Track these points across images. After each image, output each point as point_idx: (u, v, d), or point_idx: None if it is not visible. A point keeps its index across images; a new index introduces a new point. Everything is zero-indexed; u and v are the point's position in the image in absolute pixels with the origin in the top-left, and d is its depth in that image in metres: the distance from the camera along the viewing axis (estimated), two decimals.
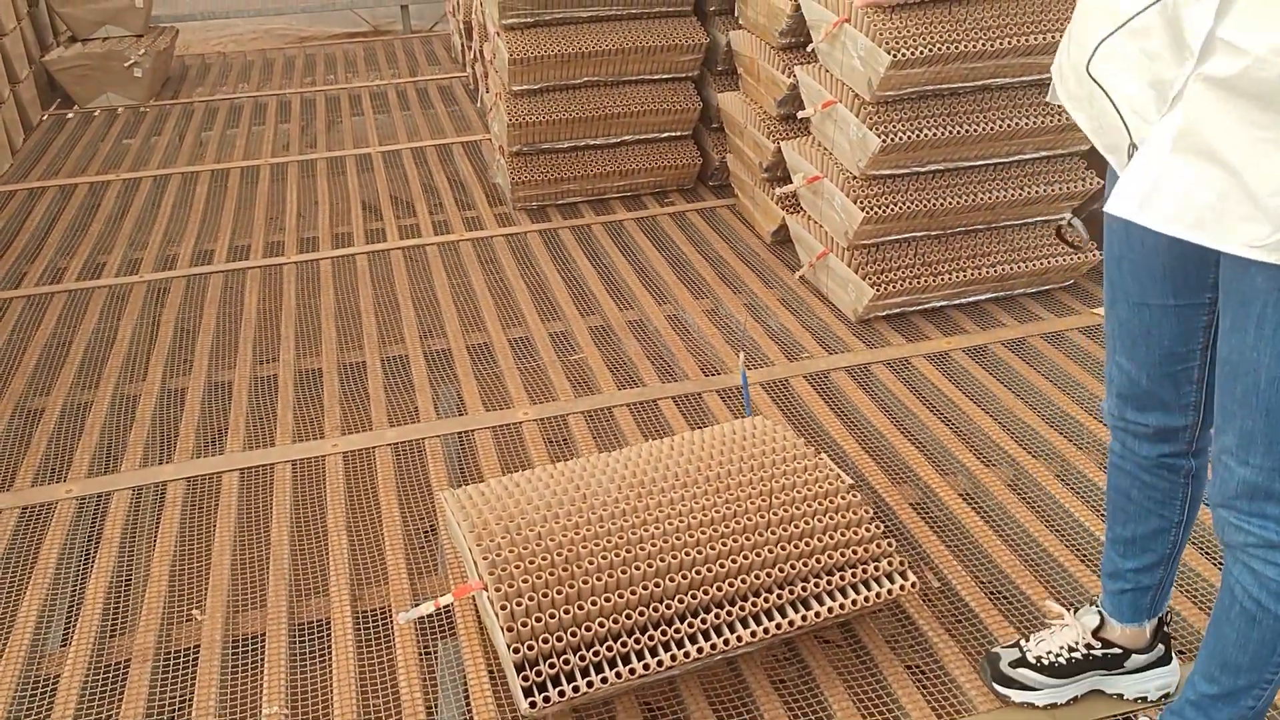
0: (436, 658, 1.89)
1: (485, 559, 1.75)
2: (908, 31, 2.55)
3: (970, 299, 2.93)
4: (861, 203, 2.73)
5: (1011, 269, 2.88)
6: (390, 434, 2.48)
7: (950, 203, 2.78)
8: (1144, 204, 1.16)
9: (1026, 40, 2.58)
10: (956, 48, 2.55)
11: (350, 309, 3.10)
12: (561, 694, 1.60)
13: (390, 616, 1.95)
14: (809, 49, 2.92)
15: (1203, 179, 1.11)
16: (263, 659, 1.86)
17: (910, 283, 2.81)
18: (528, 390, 2.65)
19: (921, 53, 2.53)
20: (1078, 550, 2.06)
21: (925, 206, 2.76)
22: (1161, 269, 1.32)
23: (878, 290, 2.77)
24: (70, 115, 4.98)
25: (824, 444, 2.41)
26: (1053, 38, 2.59)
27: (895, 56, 2.51)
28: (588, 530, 1.79)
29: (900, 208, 2.74)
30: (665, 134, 3.73)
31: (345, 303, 3.13)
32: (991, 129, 2.69)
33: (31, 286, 3.27)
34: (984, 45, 2.56)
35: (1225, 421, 1.25)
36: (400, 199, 3.91)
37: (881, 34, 2.55)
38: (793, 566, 1.76)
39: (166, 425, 2.58)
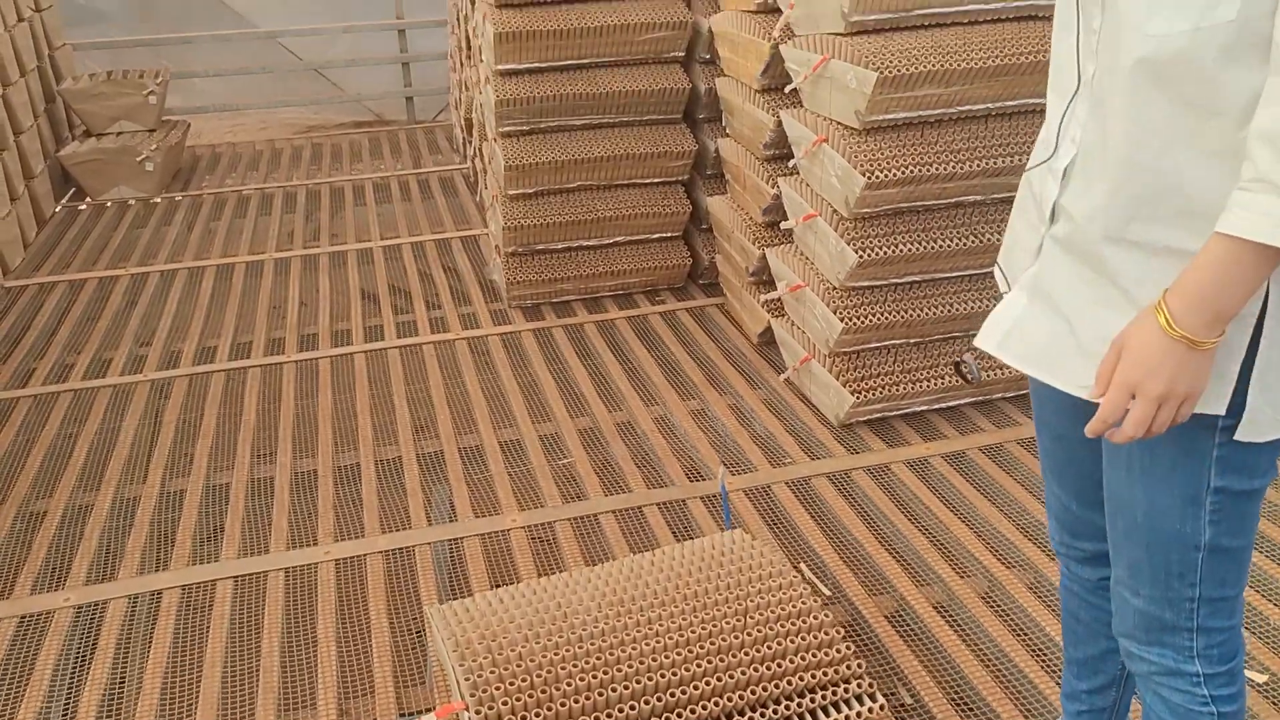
0: None
1: (467, 679, 1.80)
2: (882, 154, 2.68)
3: (950, 403, 3.01)
4: (841, 313, 2.83)
5: (991, 375, 2.97)
6: (382, 541, 2.54)
7: (928, 313, 2.88)
8: (1002, 342, 1.35)
9: (995, 163, 2.70)
10: (928, 170, 2.67)
11: (347, 409, 3.19)
12: None
13: None
14: (790, 164, 3.04)
15: (1045, 325, 1.29)
16: None
17: (890, 389, 2.90)
18: (517, 496, 2.72)
19: (895, 175, 2.65)
20: (1047, 665, 2.11)
21: (904, 317, 2.86)
22: (1071, 404, 1.41)
23: (858, 398, 2.85)
24: (83, 207, 5.14)
25: (804, 553, 2.48)
26: (1019, 160, 2.71)
27: (870, 178, 2.63)
28: (567, 650, 1.85)
29: (879, 318, 2.84)
30: (656, 235, 3.85)
31: (342, 403, 3.22)
32: (965, 244, 2.80)
33: (39, 385, 3.36)
34: (954, 168, 2.68)
35: (1116, 554, 1.35)
36: (399, 294, 4.03)
37: (857, 156, 2.68)
38: (764, 689, 1.82)
39: (164, 530, 2.65)
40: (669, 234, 3.86)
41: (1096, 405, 1.31)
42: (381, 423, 3.11)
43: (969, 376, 1.64)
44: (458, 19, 4.90)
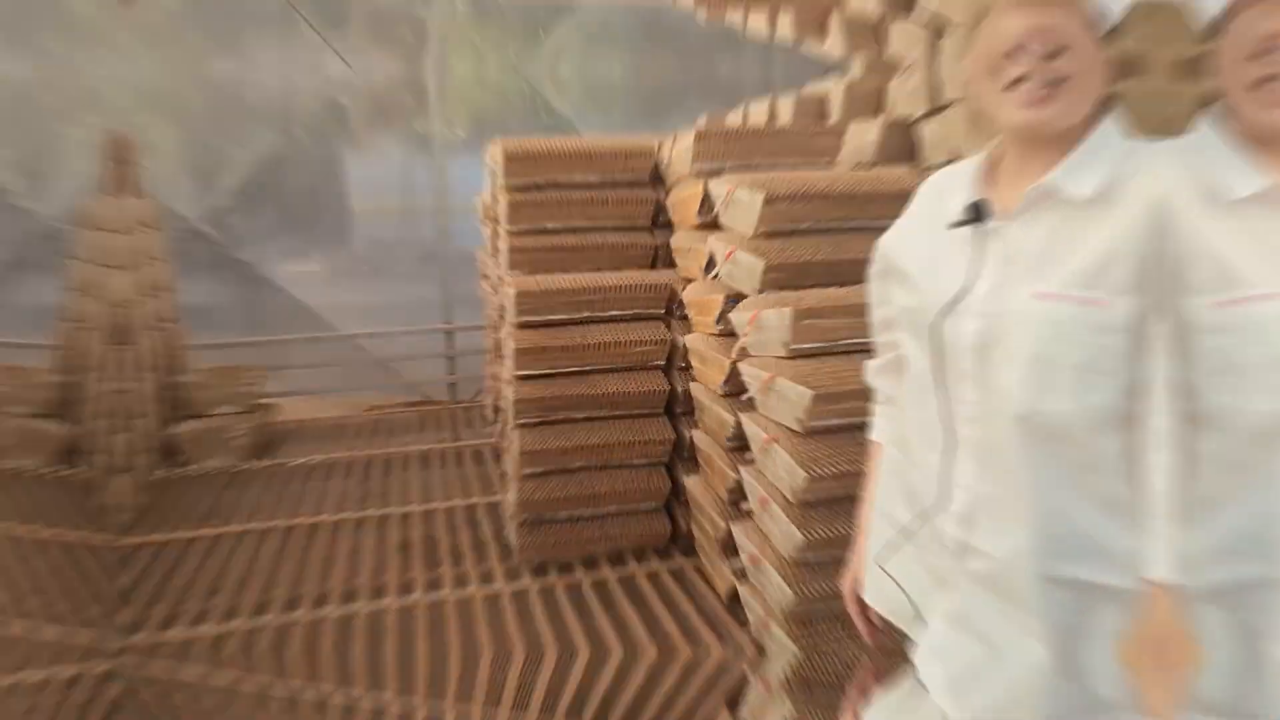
0: None
1: None
2: (820, 453, 2.68)
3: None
4: (794, 585, 2.72)
5: None
6: None
7: None
8: (933, 675, 1.19)
9: None
10: (860, 465, 2.64)
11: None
12: None
13: None
14: (748, 456, 3.04)
15: (975, 655, 1.15)
16: None
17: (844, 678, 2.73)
18: None
19: (831, 470, 2.64)
20: None
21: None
22: None
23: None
24: (174, 476, 5.12)
25: None
26: None
27: (810, 473, 2.61)
28: None
29: (828, 588, 2.72)
30: (643, 506, 3.80)
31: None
32: None
33: None
34: None
35: None
36: (429, 549, 3.92)
37: (799, 454, 2.68)
38: None
39: None
40: (653, 505, 3.82)
41: None
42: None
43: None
44: (491, 325, 5.10)
